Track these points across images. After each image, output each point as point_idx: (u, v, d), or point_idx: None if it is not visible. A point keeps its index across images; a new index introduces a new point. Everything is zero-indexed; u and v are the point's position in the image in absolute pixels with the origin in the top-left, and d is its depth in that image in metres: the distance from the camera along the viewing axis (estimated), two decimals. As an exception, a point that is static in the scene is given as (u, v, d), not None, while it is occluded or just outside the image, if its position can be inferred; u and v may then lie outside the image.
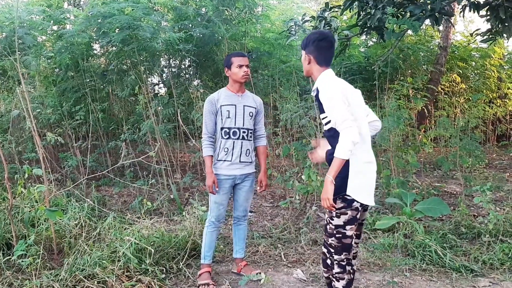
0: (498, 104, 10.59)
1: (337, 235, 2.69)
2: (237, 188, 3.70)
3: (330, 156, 2.71)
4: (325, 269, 2.87)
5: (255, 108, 3.70)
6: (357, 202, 2.62)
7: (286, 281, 3.72)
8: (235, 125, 3.58)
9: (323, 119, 2.73)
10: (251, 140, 3.69)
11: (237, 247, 3.88)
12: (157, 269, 3.64)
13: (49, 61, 7.58)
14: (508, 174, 7.90)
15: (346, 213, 2.64)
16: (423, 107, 8.99)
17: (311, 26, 5.93)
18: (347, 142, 2.45)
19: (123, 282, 3.39)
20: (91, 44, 7.60)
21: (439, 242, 4.22)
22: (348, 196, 2.60)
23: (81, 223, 4.31)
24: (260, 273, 3.71)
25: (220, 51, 7.71)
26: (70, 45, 6.95)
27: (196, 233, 4.19)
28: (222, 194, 3.61)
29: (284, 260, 4.16)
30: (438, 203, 4.69)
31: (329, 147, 2.78)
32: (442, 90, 10.66)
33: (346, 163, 2.58)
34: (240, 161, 3.60)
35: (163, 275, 3.69)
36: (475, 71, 11.47)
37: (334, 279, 2.76)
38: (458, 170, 6.44)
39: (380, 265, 3.95)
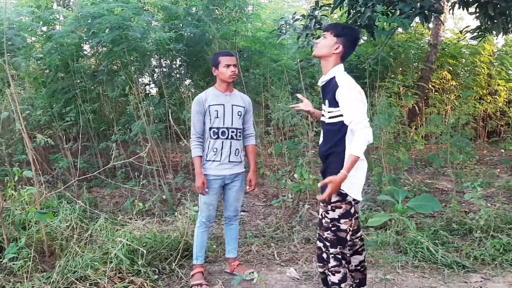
0: (488, 100, 10.66)
1: (332, 228, 2.75)
2: (227, 188, 3.70)
3: (326, 152, 2.81)
4: (320, 264, 2.92)
5: (244, 107, 3.69)
6: (350, 196, 2.71)
7: (279, 280, 3.72)
8: (223, 125, 3.57)
9: (330, 112, 2.78)
10: (240, 140, 3.68)
11: (229, 247, 3.88)
12: (150, 270, 3.63)
13: (38, 62, 7.50)
14: (498, 170, 7.96)
15: (341, 207, 2.72)
16: (414, 105, 9.03)
17: (301, 24, 5.93)
18: (364, 142, 2.59)
19: (116, 283, 3.37)
20: (81, 44, 7.55)
21: (431, 238, 4.25)
22: (342, 190, 2.69)
23: (73, 225, 4.27)
24: (253, 273, 3.71)
25: (211, 50, 7.68)
26: (60, 46, 6.90)
27: (188, 233, 4.18)
28: (211, 195, 3.60)
29: (277, 259, 4.16)
30: (429, 200, 4.75)
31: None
32: (432, 87, 10.72)
33: (341, 160, 2.67)
34: (229, 161, 3.59)
35: (156, 276, 3.67)
36: (465, 68, 11.55)
37: (330, 273, 2.80)
38: (449, 167, 6.47)
39: (372, 263, 3.96)
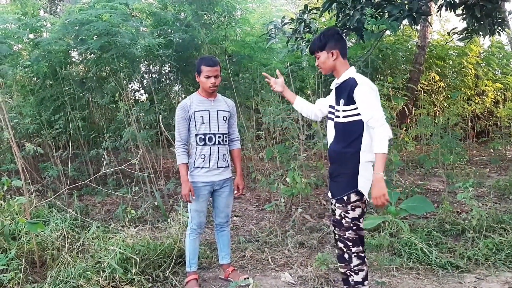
0: (476, 101, 10.74)
1: (353, 227, 2.86)
2: (216, 195, 3.68)
3: (339, 151, 2.89)
4: (342, 264, 3.01)
5: (229, 112, 3.69)
6: (365, 196, 2.84)
7: (274, 285, 3.70)
8: (210, 130, 3.55)
9: (345, 110, 2.84)
10: (226, 145, 3.67)
11: (223, 253, 3.86)
12: (143, 278, 3.60)
13: (26, 70, 7.43)
14: (488, 170, 8.02)
15: (360, 206, 2.85)
16: (404, 106, 9.07)
17: (290, 28, 5.94)
18: (386, 137, 2.70)
19: (109, 293, 3.33)
20: (69, 51, 7.48)
21: (424, 239, 4.26)
22: (360, 190, 2.81)
23: (64, 234, 4.22)
24: (248, 278, 3.69)
25: (200, 55, 7.65)
26: (48, 53, 6.83)
27: (181, 240, 4.15)
28: (201, 202, 3.58)
29: (272, 263, 4.14)
30: (422, 201, 4.77)
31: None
32: (421, 89, 10.77)
33: (357, 160, 2.78)
34: (218, 167, 3.58)
35: (150, 284, 3.64)
36: (453, 69, 11.62)
37: (352, 273, 2.89)
38: (440, 168, 6.51)
39: (367, 265, 3.95)
